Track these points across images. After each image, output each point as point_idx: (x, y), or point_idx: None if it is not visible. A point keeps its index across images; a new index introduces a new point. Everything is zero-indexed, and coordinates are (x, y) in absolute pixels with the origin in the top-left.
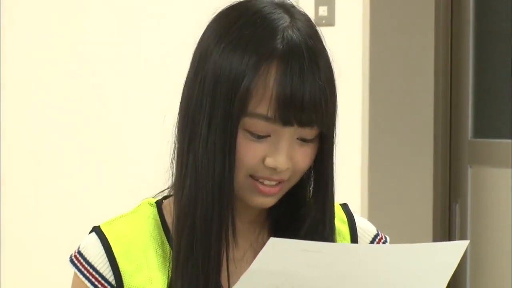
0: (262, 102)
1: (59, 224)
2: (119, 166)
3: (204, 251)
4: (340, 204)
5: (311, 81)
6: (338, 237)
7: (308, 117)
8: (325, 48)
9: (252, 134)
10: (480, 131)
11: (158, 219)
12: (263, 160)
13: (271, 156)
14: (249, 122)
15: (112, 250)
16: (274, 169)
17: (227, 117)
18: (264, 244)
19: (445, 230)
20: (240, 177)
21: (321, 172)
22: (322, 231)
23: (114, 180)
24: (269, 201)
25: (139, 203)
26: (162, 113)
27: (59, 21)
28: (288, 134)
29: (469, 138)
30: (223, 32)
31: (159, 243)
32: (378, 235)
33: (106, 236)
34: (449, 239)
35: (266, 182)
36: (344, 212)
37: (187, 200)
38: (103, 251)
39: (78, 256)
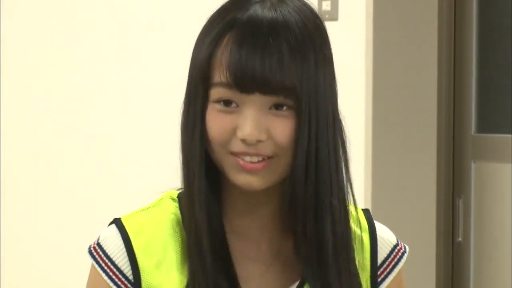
0: (220, 70)
1: (60, 224)
2: (120, 166)
3: (210, 241)
4: (362, 209)
5: (265, 50)
6: (358, 245)
7: (265, 84)
8: (312, 29)
9: (219, 103)
10: (483, 126)
11: (179, 215)
12: (235, 132)
13: (239, 127)
14: (214, 93)
15: (132, 245)
16: (245, 141)
17: (199, 93)
18: (285, 243)
19: (448, 226)
20: (220, 154)
21: (314, 156)
22: (338, 239)
23: (115, 179)
24: (256, 181)
25: (161, 196)
26: (164, 114)
27: (60, 21)
28: (253, 102)
29: (472, 133)
30: (206, 22)
31: (179, 242)
32: (398, 245)
33: (127, 229)
34: (453, 234)
35: (247, 158)
36: (366, 220)
37: (186, 189)
38: (122, 245)
39: (97, 247)
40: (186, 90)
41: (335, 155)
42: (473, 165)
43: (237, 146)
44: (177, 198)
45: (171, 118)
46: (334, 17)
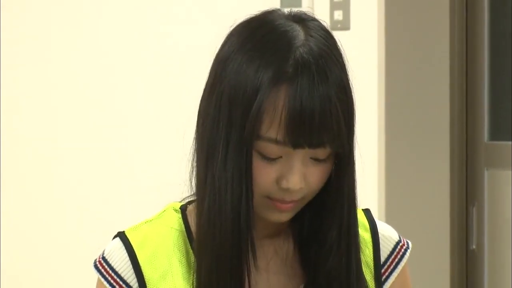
0: (272, 126)
1: (60, 225)
2: (123, 165)
3: (225, 275)
4: (362, 210)
5: (320, 104)
6: (361, 245)
7: (318, 139)
8: (340, 65)
9: (264, 156)
10: (496, 134)
11: (183, 226)
12: (276, 181)
13: (284, 177)
14: (260, 144)
15: (136, 257)
16: (287, 189)
17: (243, 140)
18: (289, 252)
19: (462, 233)
20: (256, 199)
21: (338, 188)
22: (344, 246)
23: (119, 178)
24: (285, 216)
25: (164, 207)
26: (180, 122)
27: (68, 22)
28: (299, 155)
29: (485, 141)
30: (236, 50)
31: (183, 252)
32: (400, 242)
33: (131, 242)
34: (467, 242)
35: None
36: (367, 219)
37: (206, 223)
38: (127, 258)
39: (102, 261)
40: (219, 123)
41: (353, 175)
42: (486, 173)
43: (276, 193)
44: (179, 210)
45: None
46: (346, 26)
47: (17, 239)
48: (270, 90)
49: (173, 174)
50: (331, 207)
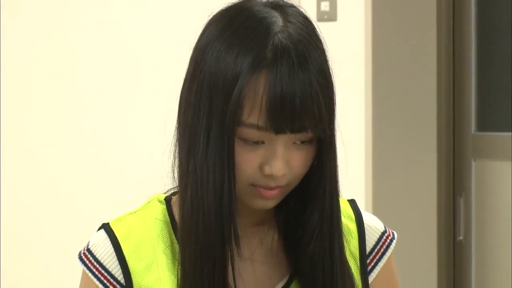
0: (253, 112)
1: (60, 225)
2: (120, 166)
3: (209, 264)
4: (348, 200)
5: (300, 89)
6: (346, 235)
7: (300, 124)
8: (319, 50)
9: (246, 141)
10: (483, 125)
11: (167, 217)
12: (260, 167)
13: (267, 163)
14: (242, 131)
15: (121, 248)
16: (271, 176)
17: (224, 127)
18: (274, 241)
19: (449, 224)
20: (241, 187)
21: (321, 173)
22: (327, 230)
23: (115, 179)
24: (270, 204)
25: (148, 199)
26: (161, 114)
27: (59, 23)
28: (282, 140)
29: (472, 132)
30: (216, 38)
31: (168, 243)
32: (386, 232)
33: (115, 233)
34: (454, 233)
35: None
36: (352, 209)
37: (189, 212)
38: (112, 249)
39: (87, 253)
40: (200, 112)
41: (334, 161)
42: (473, 164)
43: (260, 180)
44: (164, 201)
45: (173, 120)
46: (332, 17)
47: (16, 239)
48: (250, 76)
49: (157, 166)
50: (313, 192)
